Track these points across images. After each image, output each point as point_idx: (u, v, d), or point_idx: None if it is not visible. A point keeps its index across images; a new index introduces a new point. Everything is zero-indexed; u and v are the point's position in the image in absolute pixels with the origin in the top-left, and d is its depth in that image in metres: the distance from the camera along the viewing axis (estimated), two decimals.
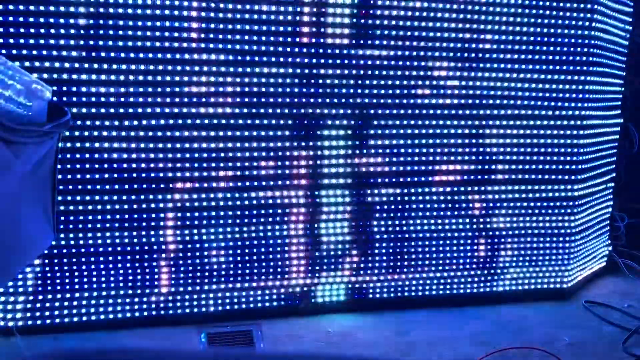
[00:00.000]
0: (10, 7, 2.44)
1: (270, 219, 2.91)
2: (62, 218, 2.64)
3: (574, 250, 3.38)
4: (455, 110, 3.04)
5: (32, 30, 2.47)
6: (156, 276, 2.81)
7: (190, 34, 2.64)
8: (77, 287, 2.73)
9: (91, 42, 2.55)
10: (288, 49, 2.77)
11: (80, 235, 2.69)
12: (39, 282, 2.69)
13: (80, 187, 2.65)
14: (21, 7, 2.45)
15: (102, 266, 2.74)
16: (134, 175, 2.70)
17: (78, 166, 2.63)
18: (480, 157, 3.14)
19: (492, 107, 3.09)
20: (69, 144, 2.59)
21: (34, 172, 1.83)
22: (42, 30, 2.48)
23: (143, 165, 2.70)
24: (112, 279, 2.76)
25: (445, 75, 3.00)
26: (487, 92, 3.07)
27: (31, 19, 2.47)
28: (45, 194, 1.99)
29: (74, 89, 2.57)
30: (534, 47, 3.08)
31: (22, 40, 2.47)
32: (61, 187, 2.58)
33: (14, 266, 1.90)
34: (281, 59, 2.77)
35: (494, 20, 3.00)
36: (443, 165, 3.09)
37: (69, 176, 2.62)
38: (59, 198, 2.58)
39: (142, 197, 2.72)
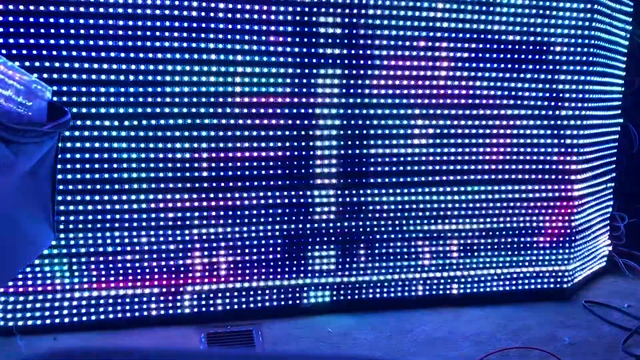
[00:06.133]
0: (10, 7, 2.44)
1: (270, 219, 2.91)
2: (62, 218, 2.64)
3: (574, 250, 3.38)
4: (455, 110, 3.04)
5: (32, 30, 2.47)
6: (156, 276, 2.81)
7: (190, 34, 2.64)
8: (77, 287, 2.73)
9: (91, 42, 2.55)
10: (288, 49, 2.77)
11: (80, 235, 2.70)
12: (39, 282, 2.69)
13: (80, 187, 2.65)
14: (21, 7, 2.45)
15: (102, 266, 2.74)
16: (134, 175, 2.70)
17: (78, 166, 2.63)
18: (480, 157, 3.14)
19: (492, 107, 3.10)
20: (69, 144, 2.59)
21: (34, 172, 1.82)
22: (42, 30, 2.48)
23: (143, 165, 2.70)
24: (112, 279, 2.76)
25: (445, 75, 3.00)
26: (487, 92, 3.07)
27: (31, 19, 2.47)
28: (45, 194, 1.99)
29: (74, 89, 2.57)
30: (534, 47, 3.08)
31: (22, 40, 2.47)
32: (61, 187, 2.58)
33: (14, 266, 1.90)
34: (281, 59, 2.77)
35: (494, 20, 3.00)
36: (443, 165, 3.09)
37: (69, 176, 2.62)
38: (59, 198, 2.59)
39: (142, 197, 2.72)
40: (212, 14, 2.65)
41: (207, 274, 2.87)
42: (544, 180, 3.25)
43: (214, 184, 2.80)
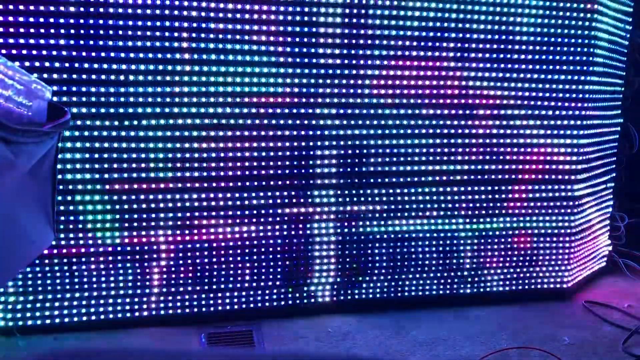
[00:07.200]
0: (10, 7, 2.44)
1: (270, 219, 2.91)
2: (62, 218, 2.64)
3: (574, 250, 3.38)
4: (455, 110, 3.04)
5: (32, 30, 2.47)
6: (156, 276, 2.82)
7: (190, 33, 2.64)
8: (77, 287, 2.73)
9: (91, 42, 2.55)
10: (288, 49, 2.77)
11: (80, 235, 2.70)
12: (39, 282, 2.69)
13: (80, 187, 2.65)
14: (21, 7, 2.45)
15: (102, 266, 2.74)
16: (134, 175, 2.70)
17: (78, 166, 2.63)
18: (481, 157, 3.14)
19: (493, 107, 3.10)
20: (69, 144, 2.59)
21: (34, 172, 1.82)
22: (42, 30, 2.48)
23: (143, 165, 2.70)
24: (112, 279, 2.76)
25: (445, 75, 3.00)
26: (487, 92, 3.07)
27: (31, 19, 2.47)
28: (45, 193, 1.99)
29: (74, 89, 2.57)
30: (534, 47, 3.08)
31: (22, 40, 2.47)
32: (61, 187, 2.58)
33: (14, 266, 1.90)
34: (281, 59, 2.77)
35: (494, 20, 3.00)
36: (443, 165, 3.09)
37: (69, 176, 2.62)
38: (59, 198, 2.59)
39: (142, 197, 2.72)
40: (212, 14, 2.65)
41: (207, 274, 2.87)
42: (544, 180, 3.25)
43: (214, 184, 2.80)
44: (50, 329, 2.71)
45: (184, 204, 2.78)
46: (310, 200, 2.95)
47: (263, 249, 2.93)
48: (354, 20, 2.82)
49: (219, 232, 2.85)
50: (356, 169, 2.97)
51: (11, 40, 2.46)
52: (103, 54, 2.57)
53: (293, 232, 2.96)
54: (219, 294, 2.91)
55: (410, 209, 3.09)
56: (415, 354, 2.68)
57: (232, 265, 2.90)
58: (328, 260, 3.03)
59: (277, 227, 2.93)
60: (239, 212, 2.86)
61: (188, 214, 2.80)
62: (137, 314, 2.82)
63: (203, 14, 2.64)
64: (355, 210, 3.01)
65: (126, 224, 2.74)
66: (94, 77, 2.58)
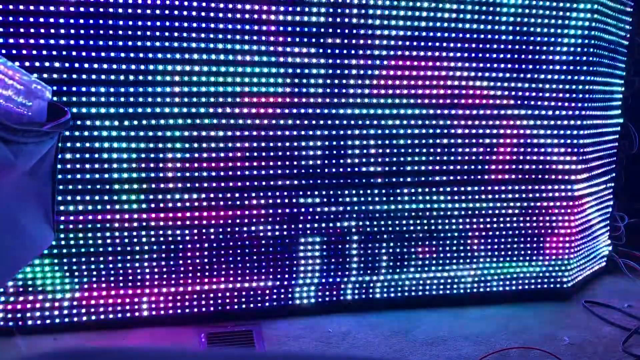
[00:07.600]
0: (11, 7, 2.44)
1: (270, 219, 2.91)
2: (62, 218, 2.64)
3: (574, 250, 3.38)
4: (455, 109, 3.04)
5: (32, 30, 2.47)
6: (156, 276, 2.82)
7: (190, 34, 2.64)
8: (77, 287, 2.73)
9: (91, 42, 2.55)
10: (288, 49, 2.77)
11: (80, 235, 2.70)
12: (39, 282, 2.69)
13: (80, 187, 2.65)
14: (21, 7, 2.45)
15: (102, 266, 2.74)
16: (134, 175, 2.70)
17: (78, 166, 2.63)
18: (481, 157, 3.14)
19: (493, 107, 3.09)
20: (69, 144, 2.59)
21: (34, 172, 1.82)
22: (42, 30, 2.48)
23: (143, 165, 2.70)
24: (111, 279, 2.77)
25: (445, 75, 3.00)
26: (488, 92, 3.07)
27: (31, 19, 2.47)
28: (45, 193, 1.99)
29: (74, 89, 2.57)
30: (534, 47, 3.09)
31: (22, 40, 2.47)
32: (61, 187, 2.58)
33: (13, 266, 1.90)
34: (281, 59, 2.77)
35: (494, 20, 3.00)
36: (443, 165, 3.09)
37: (69, 176, 2.62)
38: (59, 198, 2.59)
39: (142, 197, 2.72)
40: (212, 14, 2.65)
41: (207, 273, 2.88)
42: (544, 180, 3.25)
43: (214, 184, 2.80)
44: (50, 329, 2.71)
45: (184, 204, 2.78)
46: (310, 200, 2.95)
47: (263, 249, 2.93)
48: (354, 20, 2.82)
49: (219, 232, 2.85)
50: (356, 169, 2.97)
51: (11, 40, 2.46)
52: (103, 54, 2.57)
53: (293, 232, 2.96)
54: (219, 294, 2.91)
55: (409, 209, 3.09)
56: (415, 353, 2.68)
57: (232, 265, 2.90)
58: (328, 260, 3.03)
59: (277, 226, 2.93)
60: (238, 212, 2.86)
61: (188, 214, 2.80)
62: (137, 314, 2.82)
63: (203, 13, 2.64)
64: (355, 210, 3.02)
65: (126, 224, 2.74)
66: (94, 77, 2.58)
